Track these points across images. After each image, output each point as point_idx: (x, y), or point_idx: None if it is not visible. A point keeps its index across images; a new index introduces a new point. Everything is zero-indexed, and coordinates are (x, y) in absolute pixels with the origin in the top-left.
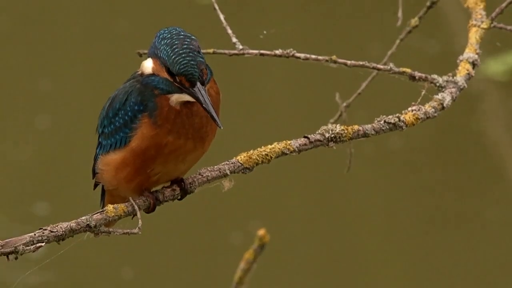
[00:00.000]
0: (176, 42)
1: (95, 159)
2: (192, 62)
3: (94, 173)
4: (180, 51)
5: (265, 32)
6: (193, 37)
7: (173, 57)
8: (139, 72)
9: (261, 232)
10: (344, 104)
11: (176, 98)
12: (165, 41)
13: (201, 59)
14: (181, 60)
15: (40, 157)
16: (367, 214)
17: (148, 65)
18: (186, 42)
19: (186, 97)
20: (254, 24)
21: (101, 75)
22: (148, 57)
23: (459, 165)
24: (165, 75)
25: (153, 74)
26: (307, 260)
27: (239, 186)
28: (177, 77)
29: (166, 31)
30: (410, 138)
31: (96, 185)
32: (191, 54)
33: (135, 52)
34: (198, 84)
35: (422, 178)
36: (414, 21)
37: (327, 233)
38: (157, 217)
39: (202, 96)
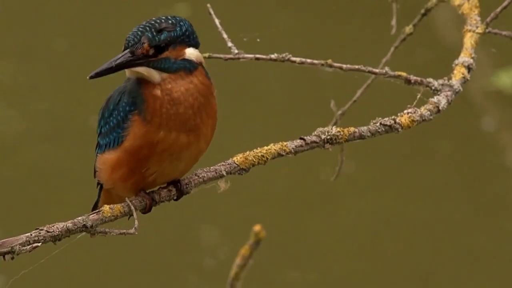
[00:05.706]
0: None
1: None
2: (135, 31)
3: (95, 172)
4: (140, 24)
5: (258, 40)
6: (173, 20)
7: None
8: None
9: (257, 227)
10: (340, 112)
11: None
12: None
13: (149, 34)
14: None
15: None
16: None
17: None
18: (154, 19)
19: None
20: (245, 28)
21: (41, 93)
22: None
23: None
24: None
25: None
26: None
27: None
28: None
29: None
30: (409, 141)
31: (99, 183)
32: (142, 26)
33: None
34: (126, 50)
35: (420, 182)
36: (408, 29)
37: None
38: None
39: (116, 57)
